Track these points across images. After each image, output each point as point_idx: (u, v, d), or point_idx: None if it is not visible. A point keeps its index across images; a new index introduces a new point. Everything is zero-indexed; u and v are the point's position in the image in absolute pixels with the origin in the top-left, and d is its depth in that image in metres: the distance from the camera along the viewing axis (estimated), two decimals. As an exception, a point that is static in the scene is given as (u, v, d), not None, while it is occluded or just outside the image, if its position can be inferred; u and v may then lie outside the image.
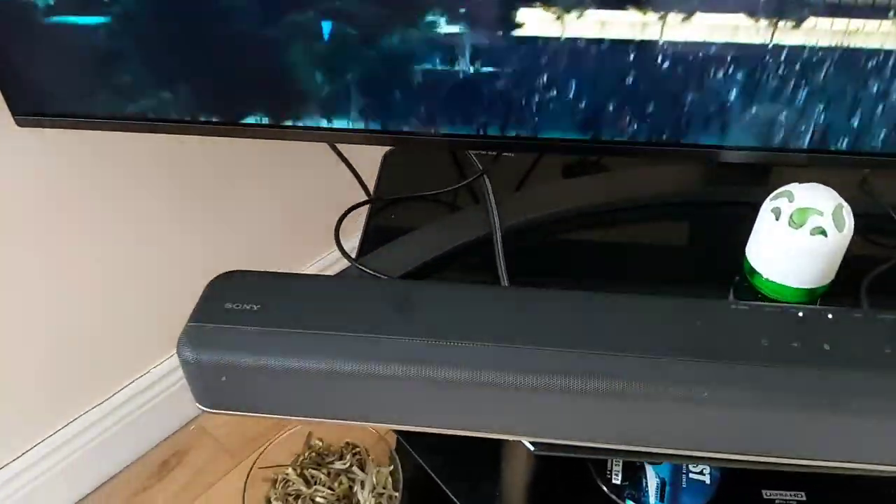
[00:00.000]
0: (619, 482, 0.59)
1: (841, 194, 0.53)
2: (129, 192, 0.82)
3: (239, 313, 0.46)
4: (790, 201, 0.51)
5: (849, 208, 0.51)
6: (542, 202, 0.64)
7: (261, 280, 0.49)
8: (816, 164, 0.54)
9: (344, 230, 0.64)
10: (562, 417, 0.44)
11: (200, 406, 0.48)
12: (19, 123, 0.58)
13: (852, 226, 0.51)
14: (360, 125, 0.53)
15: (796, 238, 0.51)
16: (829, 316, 0.45)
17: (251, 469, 0.66)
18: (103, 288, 0.85)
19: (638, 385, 0.42)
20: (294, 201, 1.00)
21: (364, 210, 0.67)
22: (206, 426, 1.04)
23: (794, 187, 0.52)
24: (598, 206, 0.65)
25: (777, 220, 0.52)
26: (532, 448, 0.45)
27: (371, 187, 0.69)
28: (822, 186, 0.52)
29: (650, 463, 0.60)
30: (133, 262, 0.86)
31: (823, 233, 0.50)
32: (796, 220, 0.51)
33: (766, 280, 0.54)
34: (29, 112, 0.56)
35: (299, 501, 0.65)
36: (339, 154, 0.71)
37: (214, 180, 0.90)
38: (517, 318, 0.45)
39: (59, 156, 0.73)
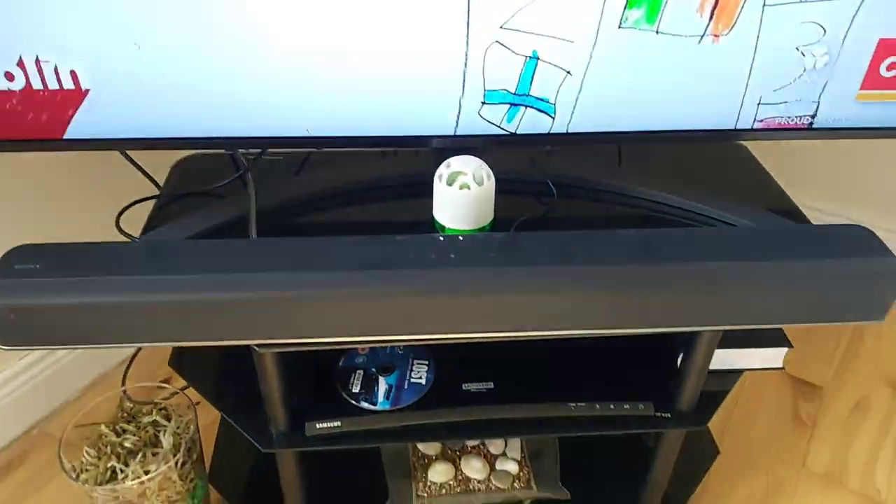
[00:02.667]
0: (357, 391, 0.77)
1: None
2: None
3: (25, 270, 0.61)
4: (447, 168, 0.72)
5: (489, 170, 0.73)
6: (295, 189, 0.83)
7: (46, 248, 0.64)
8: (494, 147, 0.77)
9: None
10: (282, 321, 0.61)
11: (1, 346, 0.62)
12: None
13: (493, 182, 0.73)
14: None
15: (451, 192, 0.72)
16: (452, 239, 0.66)
17: (67, 429, 0.79)
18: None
19: (338, 292, 0.61)
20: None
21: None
22: (49, 430, 1.13)
23: (452, 159, 0.73)
24: (340, 188, 0.84)
25: (440, 182, 0.72)
26: (257, 349, 0.63)
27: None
28: (471, 157, 0.73)
29: (379, 370, 0.78)
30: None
31: (468, 187, 0.71)
32: (451, 180, 0.72)
33: (447, 228, 0.75)
34: None
35: (109, 448, 0.79)
36: (133, 161, 0.87)
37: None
38: (251, 258, 0.63)
39: None
